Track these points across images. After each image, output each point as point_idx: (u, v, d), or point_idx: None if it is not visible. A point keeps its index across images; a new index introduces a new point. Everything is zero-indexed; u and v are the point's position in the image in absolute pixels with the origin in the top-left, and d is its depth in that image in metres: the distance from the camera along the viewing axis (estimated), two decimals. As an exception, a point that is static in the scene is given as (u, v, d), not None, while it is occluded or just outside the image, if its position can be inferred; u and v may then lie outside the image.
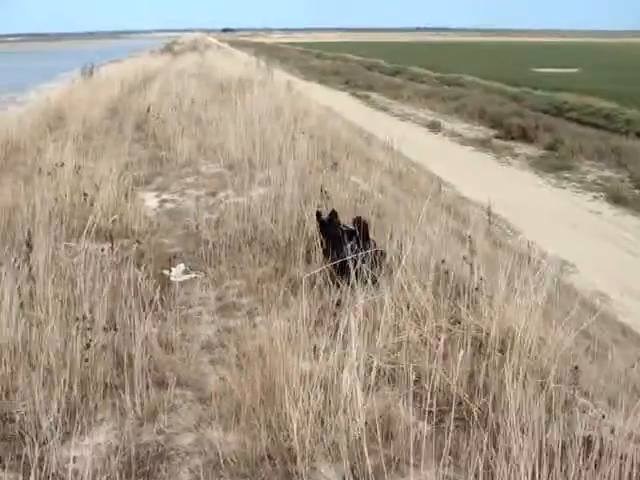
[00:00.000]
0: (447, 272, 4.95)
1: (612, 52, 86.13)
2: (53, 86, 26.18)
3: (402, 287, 4.75)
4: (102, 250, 5.68)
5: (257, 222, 6.85)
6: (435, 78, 42.89)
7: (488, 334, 4.31)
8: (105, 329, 4.41)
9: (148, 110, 13.85)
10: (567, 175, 18.66)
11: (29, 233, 5.25)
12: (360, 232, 5.73)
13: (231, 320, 5.03)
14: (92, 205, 7.12)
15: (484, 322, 4.40)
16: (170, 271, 5.88)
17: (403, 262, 4.98)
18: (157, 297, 5.05)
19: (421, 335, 4.36)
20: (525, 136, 23.44)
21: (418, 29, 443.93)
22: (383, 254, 5.52)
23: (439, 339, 4.12)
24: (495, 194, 14.79)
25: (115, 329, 4.39)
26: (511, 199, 15.24)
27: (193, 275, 5.90)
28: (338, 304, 4.73)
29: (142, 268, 5.68)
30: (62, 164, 8.51)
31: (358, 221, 5.87)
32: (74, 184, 7.99)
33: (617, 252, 12.50)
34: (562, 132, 22.95)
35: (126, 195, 7.97)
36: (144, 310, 4.71)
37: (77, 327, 4.21)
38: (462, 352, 3.97)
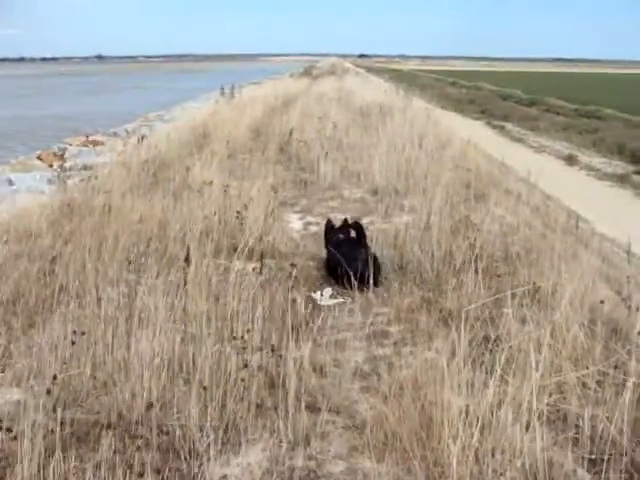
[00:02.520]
0: (605, 314, 4.78)
1: None
2: (196, 105, 27.15)
3: (560, 326, 4.60)
4: (252, 269, 5.78)
5: (403, 250, 6.81)
6: (572, 110, 41.89)
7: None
8: (260, 349, 4.47)
9: (291, 133, 14.08)
10: None
11: (188, 249, 5.39)
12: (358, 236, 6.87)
13: (380, 348, 4.99)
14: (242, 224, 7.27)
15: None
16: (318, 295, 5.92)
17: (563, 301, 4.82)
18: (304, 322, 5.10)
19: (579, 377, 4.20)
20: (667, 172, 22.58)
21: (555, 60, 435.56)
22: (376, 258, 6.38)
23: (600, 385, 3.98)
24: (635, 233, 14.38)
25: (272, 350, 4.43)
26: None
27: (340, 300, 5.92)
28: (495, 340, 4.64)
29: (291, 290, 5.73)
30: (211, 182, 8.76)
31: (355, 225, 7.01)
32: (221, 203, 8.18)
33: None
34: None
35: (272, 216, 8.11)
36: (296, 332, 4.76)
37: (232, 346, 4.29)
38: (624, 398, 3.81)
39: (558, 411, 3.96)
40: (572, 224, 13.71)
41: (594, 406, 3.90)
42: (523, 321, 4.86)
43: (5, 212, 9.48)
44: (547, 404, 3.94)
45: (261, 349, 4.50)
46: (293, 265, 5.69)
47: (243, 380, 4.10)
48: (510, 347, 4.33)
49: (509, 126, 36.14)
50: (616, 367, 4.32)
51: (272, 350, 4.46)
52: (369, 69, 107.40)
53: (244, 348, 4.28)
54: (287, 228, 8.16)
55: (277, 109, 21.85)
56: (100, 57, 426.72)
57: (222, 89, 25.07)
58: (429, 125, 17.73)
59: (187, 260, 5.20)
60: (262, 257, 6.02)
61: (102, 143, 19.05)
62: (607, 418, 3.77)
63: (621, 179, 22.29)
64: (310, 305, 5.64)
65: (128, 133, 20.52)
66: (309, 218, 8.76)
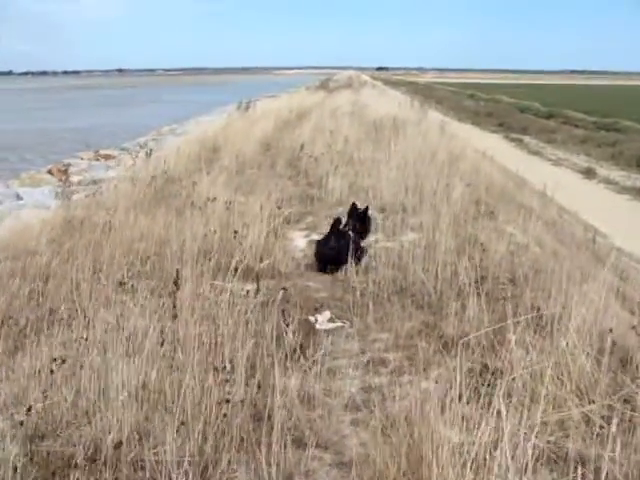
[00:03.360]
0: (614, 343, 4.51)
1: None
2: (210, 119, 27.04)
3: (564, 355, 4.34)
4: (247, 292, 5.58)
5: (407, 270, 6.57)
6: (591, 122, 41.55)
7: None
8: (248, 379, 4.25)
9: (301, 148, 13.90)
10: None
11: (177, 272, 5.19)
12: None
13: (376, 377, 4.74)
14: (241, 244, 7.08)
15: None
16: (315, 318, 5.70)
17: (570, 328, 4.57)
18: (299, 347, 4.90)
19: (584, 413, 3.95)
20: (687, 186, 22.28)
21: (573, 72, 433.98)
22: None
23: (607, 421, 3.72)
24: None
25: (258, 387, 4.21)
26: None
27: (339, 324, 5.69)
28: (495, 371, 4.40)
29: (287, 313, 5.52)
30: (214, 199, 8.58)
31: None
32: (224, 220, 8.00)
33: None
34: None
35: (275, 233, 7.92)
36: (287, 361, 4.55)
37: (218, 376, 4.08)
38: (632, 437, 3.57)
39: (560, 450, 3.70)
40: (589, 238, 13.53)
41: (599, 445, 3.64)
42: (527, 349, 4.61)
43: (7, 228, 9.37)
44: (548, 442, 3.70)
45: (248, 378, 4.28)
46: (284, 289, 5.48)
47: (225, 415, 3.88)
48: (512, 379, 4.10)
49: (527, 139, 35.85)
50: (625, 401, 4.07)
51: (260, 381, 4.25)
52: (386, 82, 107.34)
53: (226, 381, 4.06)
54: (290, 247, 7.94)
55: (290, 123, 21.71)
56: (121, 70, 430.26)
57: (239, 103, 25.02)
58: (444, 139, 17.51)
59: (176, 284, 5.00)
60: (258, 278, 5.82)
61: (114, 157, 19.02)
62: (612, 459, 3.51)
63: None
64: (306, 329, 5.42)
65: (140, 147, 20.43)
66: (314, 236, 8.51)
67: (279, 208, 8.92)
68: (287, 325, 5.05)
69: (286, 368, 4.52)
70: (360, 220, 7.76)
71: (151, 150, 14.11)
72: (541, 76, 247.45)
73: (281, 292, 5.43)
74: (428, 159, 12.49)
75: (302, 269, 7.18)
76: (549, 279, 6.27)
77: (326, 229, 8.78)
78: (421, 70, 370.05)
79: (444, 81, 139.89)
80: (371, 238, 8.05)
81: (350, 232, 7.47)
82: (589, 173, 25.54)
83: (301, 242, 8.33)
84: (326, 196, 10.38)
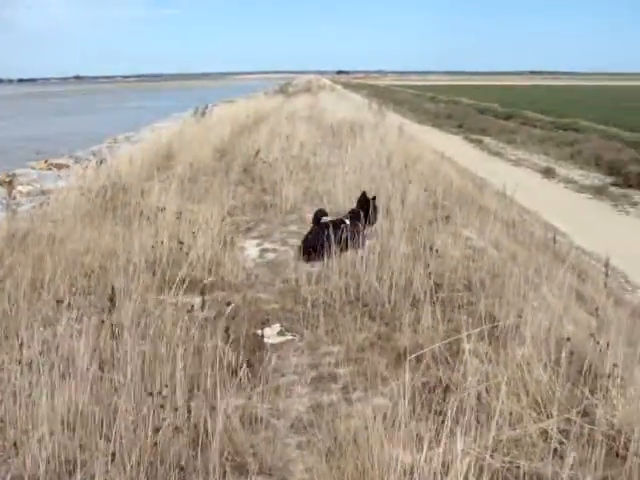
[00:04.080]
0: (572, 352, 4.32)
1: None
2: (166, 125, 26.62)
3: (520, 367, 4.14)
4: (192, 307, 5.32)
5: (360, 279, 6.34)
6: (549, 122, 41.83)
7: (622, 432, 3.67)
8: (188, 400, 3.99)
9: (257, 153, 13.64)
10: None
11: (113, 290, 4.92)
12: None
13: (325, 394, 4.49)
14: (187, 254, 6.82)
15: (618, 417, 3.76)
16: (264, 332, 5.44)
17: (527, 337, 4.38)
18: (246, 364, 4.65)
19: (543, 429, 3.75)
20: (644, 184, 22.43)
21: (532, 72, 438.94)
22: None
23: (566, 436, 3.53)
24: (613, 245, 14.08)
25: (188, 412, 3.93)
26: (631, 251, 14.45)
27: (289, 337, 5.43)
28: (449, 385, 4.19)
29: (235, 327, 5.28)
30: (163, 208, 8.30)
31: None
32: (174, 230, 7.72)
33: None
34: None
35: (225, 243, 7.66)
36: (231, 379, 4.30)
37: (152, 404, 3.81)
38: (591, 453, 3.37)
39: (516, 469, 3.49)
40: (550, 238, 13.46)
41: (557, 462, 3.44)
42: (482, 361, 4.41)
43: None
44: (503, 462, 3.49)
45: (189, 401, 4.01)
46: (229, 304, 5.21)
47: (156, 445, 3.61)
48: (467, 394, 3.89)
49: (487, 139, 35.95)
50: (584, 414, 3.87)
51: (200, 403, 3.98)
52: (346, 85, 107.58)
53: (162, 406, 3.79)
54: (241, 256, 7.66)
55: (246, 128, 21.44)
56: (78, 77, 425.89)
57: (195, 109, 24.67)
58: (402, 141, 17.37)
59: (112, 300, 4.74)
60: (203, 292, 5.57)
61: (67, 166, 18.56)
62: (571, 478, 3.32)
63: (599, 191, 22.09)
64: (254, 344, 5.18)
65: (94, 155, 20.00)
66: (266, 244, 8.27)
67: (231, 216, 8.68)
68: (231, 343, 4.80)
69: (229, 388, 4.27)
70: (364, 209, 8.02)
71: (103, 159, 13.74)
72: (501, 77, 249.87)
73: (227, 307, 5.16)
74: (385, 162, 12.31)
75: (253, 279, 6.90)
76: (506, 284, 6.11)
77: (279, 236, 8.58)
78: (381, 73, 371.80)
79: (404, 84, 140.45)
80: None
81: (347, 220, 7.79)
82: (549, 173, 25.62)
83: (253, 251, 8.05)
84: (280, 203, 10.12)
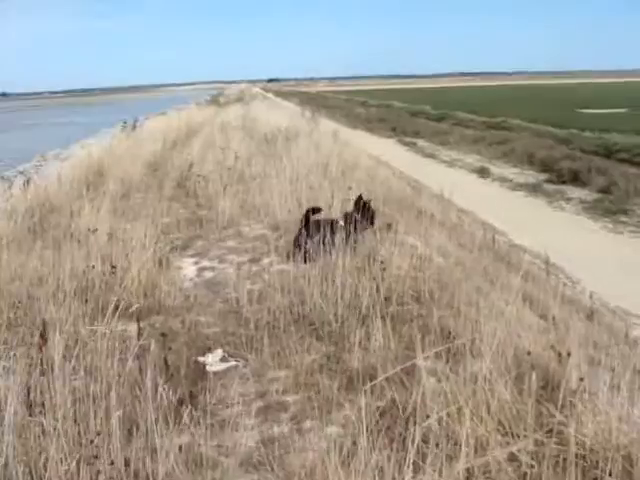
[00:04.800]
0: (533, 366, 4.08)
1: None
2: (97, 141, 25.96)
3: (482, 386, 3.89)
4: (127, 336, 4.97)
5: (304, 295, 6.02)
6: (481, 123, 42.24)
7: (595, 452, 3.45)
8: (124, 441, 3.64)
9: (190, 167, 13.25)
10: (624, 219, 17.86)
11: (44, 323, 4.55)
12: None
13: (275, 426, 4.17)
14: (121, 279, 6.45)
15: (589, 435, 3.53)
16: (206, 359, 5.10)
17: (484, 352, 4.14)
18: (188, 397, 4.32)
19: (511, 453, 3.50)
20: (577, 179, 22.64)
21: (462, 74, 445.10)
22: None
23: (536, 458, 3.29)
24: (551, 242, 14.12)
25: (126, 464, 3.58)
26: (568, 246, 14.53)
27: (232, 363, 5.08)
28: (406, 409, 3.92)
29: (174, 355, 4.94)
30: (95, 230, 7.89)
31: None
32: (106, 252, 7.32)
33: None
34: (615, 174, 22.14)
35: (161, 263, 7.30)
36: (173, 415, 3.97)
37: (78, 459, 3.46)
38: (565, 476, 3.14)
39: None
40: (490, 238, 13.40)
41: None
42: (440, 380, 4.16)
43: None
44: (472, 494, 3.24)
45: (126, 443, 3.67)
46: (164, 335, 4.86)
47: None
48: (427, 416, 3.64)
49: (420, 142, 36.08)
50: (551, 432, 3.64)
51: (139, 445, 3.64)
52: (278, 93, 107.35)
53: (96, 456, 3.43)
54: (178, 276, 7.29)
55: (179, 141, 21.00)
56: (4, 94, 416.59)
57: (124, 123, 24.09)
58: (337, 148, 17.14)
59: (43, 336, 4.36)
60: (139, 319, 5.21)
61: (-8, 188, 17.83)
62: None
63: (534, 188, 22.28)
64: (196, 373, 4.84)
65: (22, 174, 19.30)
66: (204, 262, 7.91)
67: (165, 234, 8.33)
68: (170, 375, 4.46)
69: (175, 424, 3.94)
70: (360, 212, 7.77)
71: (29, 179, 13.19)
72: (432, 80, 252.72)
73: (163, 338, 4.80)
74: (322, 170, 12.05)
75: (192, 301, 6.53)
76: (456, 293, 5.90)
77: (216, 254, 8.24)
78: (312, 80, 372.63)
79: (336, 89, 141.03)
80: (265, 261, 7.54)
81: (340, 222, 7.52)
82: (483, 172, 25.78)
83: (190, 270, 7.67)
84: (216, 218, 9.73)
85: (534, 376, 3.75)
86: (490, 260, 11.06)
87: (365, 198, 8.03)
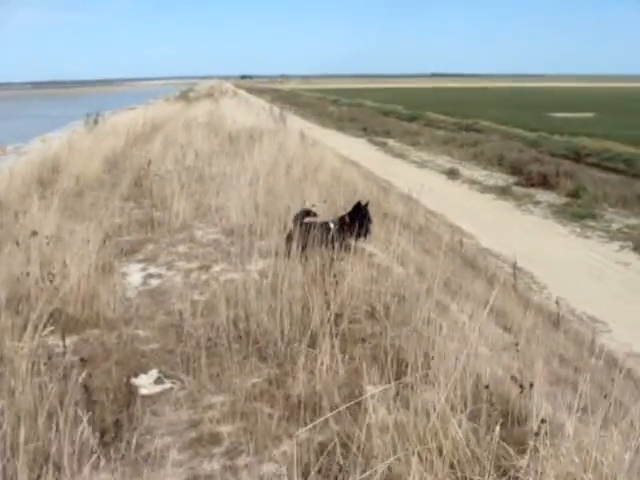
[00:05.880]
0: (492, 401, 3.68)
1: (628, 97, 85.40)
2: (59, 135, 25.32)
3: (433, 422, 3.50)
4: (53, 354, 4.53)
5: (251, 308, 5.58)
6: (452, 124, 42.16)
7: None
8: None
9: (149, 164, 12.74)
10: (592, 224, 17.96)
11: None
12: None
13: (206, 462, 3.73)
14: (60, 287, 5.95)
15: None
16: (139, 380, 4.65)
17: (438, 378, 3.75)
18: (113, 426, 3.89)
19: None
20: (545, 183, 22.62)
21: (433, 75, 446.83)
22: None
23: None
24: (519, 246, 13.98)
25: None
26: (536, 251, 14.37)
27: (167, 385, 4.61)
28: (348, 448, 3.51)
29: (104, 375, 4.51)
30: (35, 232, 7.37)
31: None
32: (48, 256, 6.83)
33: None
34: (583, 178, 22.14)
35: (104, 269, 6.83)
36: (98, 446, 3.55)
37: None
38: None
39: None
40: (457, 241, 13.11)
41: None
42: (389, 410, 3.77)
43: None
44: None
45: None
46: (83, 360, 4.38)
47: None
48: (374, 458, 3.25)
49: (391, 142, 35.85)
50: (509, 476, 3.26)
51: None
52: (250, 90, 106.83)
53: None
54: (122, 284, 6.79)
55: (142, 137, 20.47)
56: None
57: (87, 118, 23.46)
58: (303, 148, 16.76)
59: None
60: (64, 334, 4.76)
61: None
62: None
63: (503, 191, 22.17)
64: (126, 397, 4.40)
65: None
66: (152, 269, 7.42)
67: (114, 237, 7.88)
68: (94, 402, 4.02)
69: (95, 459, 3.51)
70: (358, 217, 7.37)
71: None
72: (403, 80, 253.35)
73: (83, 366, 4.32)
74: (284, 172, 11.62)
75: (133, 312, 6.05)
76: (413, 309, 5.51)
77: (165, 259, 7.79)
78: (285, 77, 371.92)
79: (309, 87, 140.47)
80: (216, 268, 7.11)
81: (332, 224, 7.14)
82: (453, 174, 25.63)
83: (136, 278, 7.17)
84: (170, 220, 9.22)
85: (493, 413, 3.37)
86: (456, 266, 10.75)
87: (362, 203, 7.66)
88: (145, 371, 4.79)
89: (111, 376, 4.58)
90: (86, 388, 4.04)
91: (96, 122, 22.38)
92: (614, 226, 17.62)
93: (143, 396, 4.45)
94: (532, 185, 22.89)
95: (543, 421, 3.23)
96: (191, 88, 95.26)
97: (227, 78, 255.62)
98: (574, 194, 20.77)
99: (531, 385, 3.73)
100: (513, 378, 3.76)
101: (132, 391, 4.50)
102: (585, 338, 8.77)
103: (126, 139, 19.17)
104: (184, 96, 62.67)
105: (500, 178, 24.74)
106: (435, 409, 3.54)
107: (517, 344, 4.35)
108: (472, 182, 24.16)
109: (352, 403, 3.76)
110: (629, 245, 15.77)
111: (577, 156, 27.23)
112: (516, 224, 18.01)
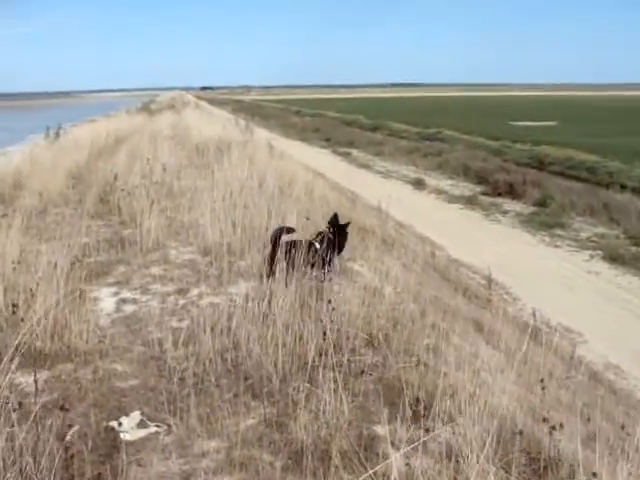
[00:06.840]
0: (527, 450, 3.29)
1: (590, 105, 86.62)
2: (18, 149, 24.58)
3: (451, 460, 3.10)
4: (21, 394, 4.05)
5: (239, 337, 5.12)
6: (414, 133, 42.18)
7: None
8: None
9: (115, 179, 12.21)
10: (560, 233, 18.11)
11: None
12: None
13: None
14: (25, 317, 5.44)
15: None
16: (119, 423, 4.17)
17: (456, 416, 3.36)
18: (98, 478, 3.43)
19: None
20: (512, 192, 22.66)
21: (394, 85, 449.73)
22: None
23: None
24: (489, 256, 13.80)
25: None
26: (507, 262, 14.23)
27: (152, 429, 4.12)
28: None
29: (81, 418, 4.05)
30: (-4, 255, 6.87)
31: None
32: (11, 282, 6.32)
33: (626, 318, 11.76)
34: (549, 187, 22.27)
35: (73, 294, 6.31)
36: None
37: None
38: None
39: None
40: (429, 253, 12.87)
41: None
42: (407, 455, 3.36)
43: None
44: None
45: None
46: (64, 409, 3.90)
47: None
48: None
49: (355, 152, 35.72)
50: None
51: None
52: (212, 101, 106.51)
53: None
54: (94, 311, 6.24)
55: (106, 151, 19.85)
56: None
57: (48, 131, 22.77)
58: (273, 160, 16.39)
59: None
60: (35, 373, 4.29)
61: None
62: None
63: (470, 201, 22.10)
64: (106, 444, 3.93)
65: None
66: (125, 293, 6.87)
67: (82, 258, 7.39)
68: (70, 456, 3.55)
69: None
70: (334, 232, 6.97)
71: None
72: (364, 90, 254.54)
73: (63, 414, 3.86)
74: (257, 185, 11.18)
75: (107, 344, 5.53)
76: (412, 334, 5.13)
77: (139, 282, 7.28)
78: (246, 88, 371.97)
79: (270, 98, 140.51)
80: (194, 292, 6.65)
81: (317, 243, 6.69)
82: (419, 184, 25.53)
83: (109, 304, 6.59)
84: (141, 238, 8.64)
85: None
86: (436, 281, 10.47)
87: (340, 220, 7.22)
88: (126, 413, 4.31)
89: (89, 420, 4.11)
90: (62, 438, 3.56)
91: (57, 135, 21.73)
92: (583, 235, 17.73)
93: (126, 442, 3.97)
94: (499, 194, 22.89)
95: (594, 475, 2.83)
96: (152, 100, 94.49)
97: (188, 89, 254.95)
98: (541, 203, 20.88)
99: (561, 426, 3.35)
100: (545, 420, 3.37)
101: (113, 437, 4.01)
102: (564, 351, 8.60)
103: (89, 152, 18.56)
104: (146, 108, 62.01)
105: (466, 188, 24.68)
106: (462, 454, 3.14)
107: (542, 380, 3.96)
108: (439, 192, 24.06)
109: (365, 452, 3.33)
110: (598, 254, 15.88)
111: (541, 164, 27.41)
112: (485, 234, 17.90)
